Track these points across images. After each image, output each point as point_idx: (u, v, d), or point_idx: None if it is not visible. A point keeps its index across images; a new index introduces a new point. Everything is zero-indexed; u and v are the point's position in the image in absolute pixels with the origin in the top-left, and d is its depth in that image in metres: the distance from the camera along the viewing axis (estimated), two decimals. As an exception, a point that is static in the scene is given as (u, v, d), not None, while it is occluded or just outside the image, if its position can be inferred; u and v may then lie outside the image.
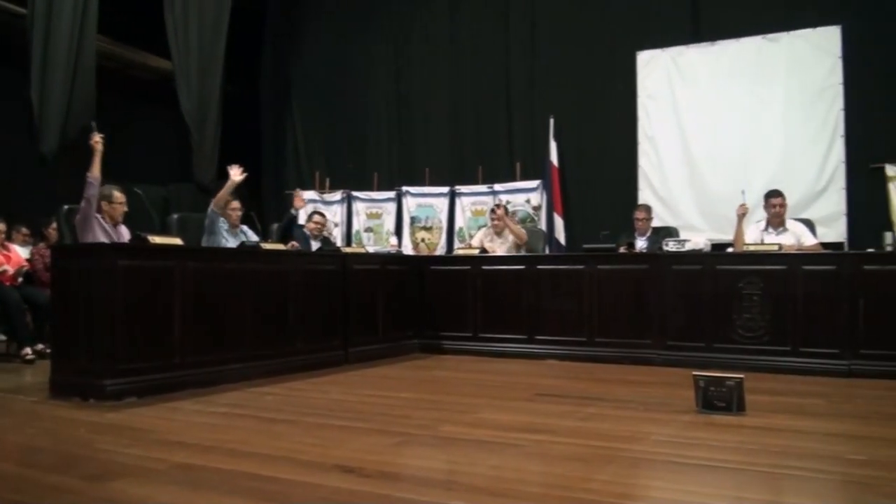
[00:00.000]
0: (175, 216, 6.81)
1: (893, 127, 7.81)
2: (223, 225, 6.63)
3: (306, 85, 10.98)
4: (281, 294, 5.73)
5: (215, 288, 5.18)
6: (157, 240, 5.06)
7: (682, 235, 7.15)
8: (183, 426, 3.85)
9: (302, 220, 7.71)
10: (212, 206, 6.58)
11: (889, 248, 6.47)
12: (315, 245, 7.36)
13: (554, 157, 9.15)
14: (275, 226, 7.45)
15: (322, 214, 7.97)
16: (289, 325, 5.76)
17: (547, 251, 8.29)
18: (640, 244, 7.25)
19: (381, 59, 10.57)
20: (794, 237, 6.41)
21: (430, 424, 3.83)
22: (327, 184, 10.39)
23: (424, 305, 7.17)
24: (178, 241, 5.29)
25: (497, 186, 9.56)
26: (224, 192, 6.60)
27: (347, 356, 6.28)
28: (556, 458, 3.21)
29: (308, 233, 7.48)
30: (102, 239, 5.61)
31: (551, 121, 9.20)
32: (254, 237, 6.77)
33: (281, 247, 6.33)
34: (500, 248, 7.53)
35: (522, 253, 7.43)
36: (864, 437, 3.69)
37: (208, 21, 9.39)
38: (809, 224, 6.75)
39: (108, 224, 5.77)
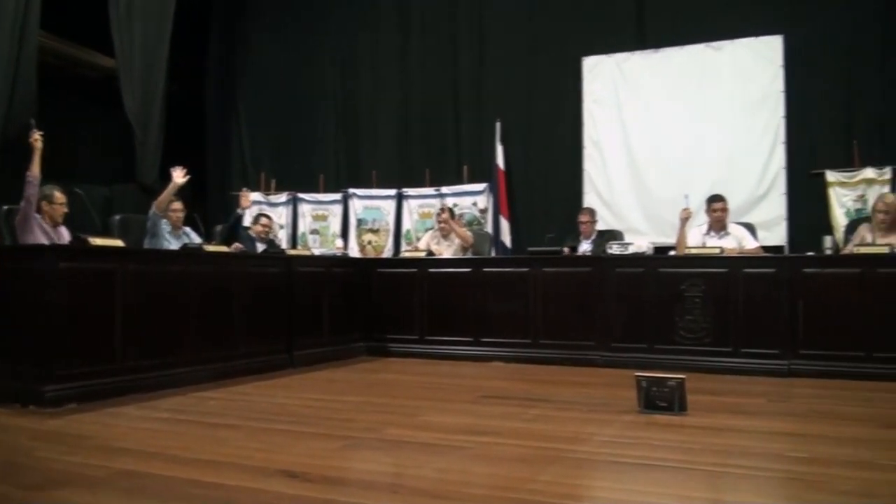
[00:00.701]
0: (117, 217, 6.69)
1: (833, 134, 8.07)
2: (165, 227, 6.54)
3: (252, 85, 10.85)
4: (225, 297, 5.65)
5: (158, 290, 5.09)
6: (97, 241, 4.96)
7: (626, 239, 7.24)
8: (125, 432, 3.77)
9: (247, 221, 7.63)
10: (153, 209, 6.48)
11: (828, 252, 6.61)
12: (260, 247, 7.28)
13: (500, 160, 9.18)
14: (218, 227, 7.37)
15: (269, 217, 7.89)
16: (233, 329, 5.68)
17: (493, 254, 8.31)
18: (585, 247, 7.32)
19: (328, 60, 10.50)
20: (736, 241, 6.52)
21: (376, 427, 3.81)
22: (272, 185, 10.28)
23: (371, 308, 7.13)
24: (119, 242, 5.20)
25: (444, 189, 9.56)
26: (166, 194, 6.51)
27: (292, 359, 6.22)
28: (501, 459, 3.22)
29: (254, 235, 7.40)
30: (42, 240, 5.49)
31: (498, 124, 9.23)
32: (197, 239, 6.68)
33: (224, 249, 6.25)
34: (446, 250, 7.54)
35: (469, 255, 7.44)
36: (803, 434, 3.76)
37: (152, 19, 9.22)
38: (751, 228, 6.89)
39: (47, 225, 5.65)
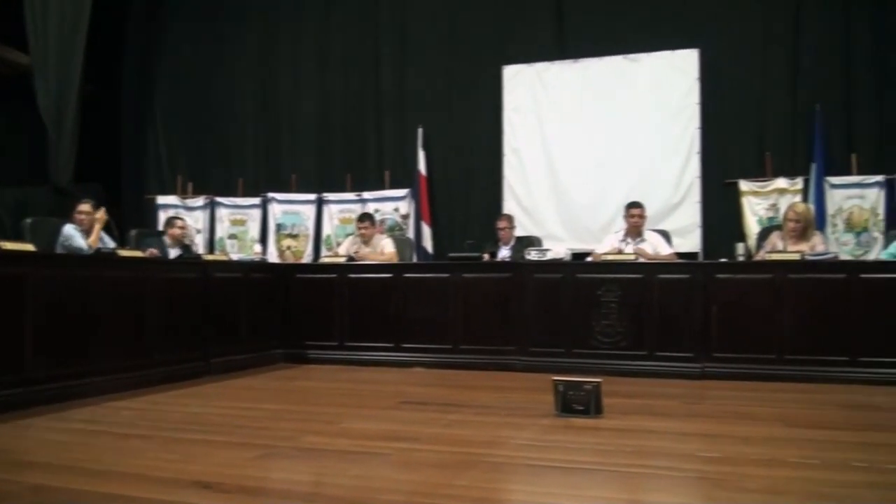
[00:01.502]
0: (29, 220, 6.45)
1: (747, 145, 8.39)
2: (76, 231, 6.38)
3: (170, 87, 10.63)
4: (139, 303, 5.51)
5: (70, 297, 4.94)
6: (7, 245, 4.78)
7: (545, 245, 7.31)
8: (36, 445, 3.65)
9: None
10: (86, 246, 6.32)
11: (741, 258, 6.79)
12: (175, 252, 7.12)
13: (422, 166, 9.19)
14: (133, 232, 7.18)
15: (183, 219, 7.74)
16: (148, 336, 5.54)
17: (415, 259, 8.31)
18: (504, 253, 7.38)
19: (247, 62, 10.35)
20: (651, 247, 6.65)
21: (293, 436, 3.77)
22: (190, 189, 10.09)
23: (290, 314, 7.04)
24: (30, 246, 5.05)
25: (366, 194, 9.52)
26: (96, 234, 6.39)
27: (209, 367, 6.09)
28: (419, 465, 3.21)
29: (168, 241, 7.23)
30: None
31: (420, 130, 9.25)
32: (111, 244, 6.51)
33: (139, 254, 6.10)
34: (367, 256, 7.48)
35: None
36: (715, 435, 3.86)
37: (68, 16, 8.95)
38: (666, 235, 7.05)
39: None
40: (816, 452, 3.42)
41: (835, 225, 7.96)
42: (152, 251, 6.64)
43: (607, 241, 6.86)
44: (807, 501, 2.75)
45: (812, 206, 7.29)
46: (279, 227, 9.84)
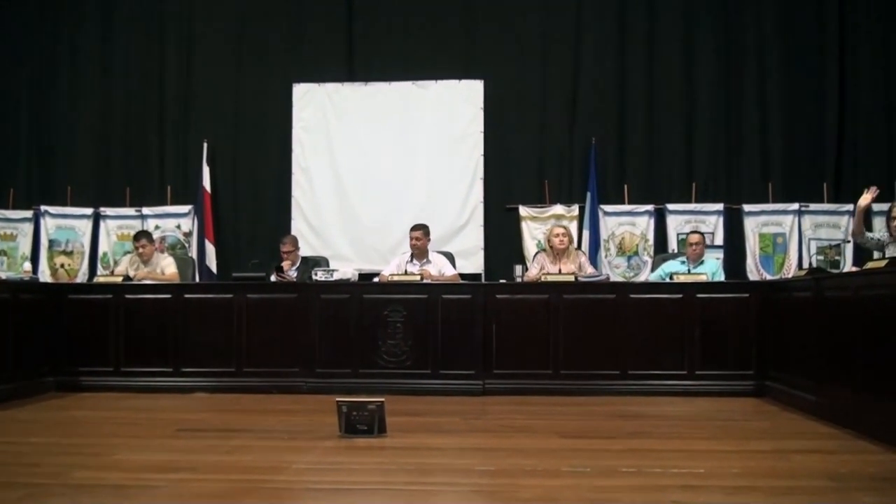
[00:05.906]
0: None
1: (526, 173, 8.90)
2: None
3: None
4: None
5: None
6: None
7: (333, 265, 7.30)
8: None
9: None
10: None
11: (519, 279, 7.08)
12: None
13: (207, 181, 8.94)
14: None
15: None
16: None
17: (197, 279, 8.04)
18: (290, 273, 7.28)
19: (23, 62, 9.60)
20: (436, 268, 6.81)
21: (62, 471, 3.52)
22: (-48, 201, 9.27)
23: (62, 339, 6.56)
24: None
25: (146, 210, 9.13)
26: None
27: (-31, 398, 5.58)
28: (195, 496, 3.11)
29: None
30: None
31: (205, 145, 9.00)
32: None
33: None
34: (147, 276, 7.16)
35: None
36: (492, 449, 4.02)
37: None
38: (450, 256, 7.23)
39: None
40: (588, 461, 3.63)
41: (608, 249, 8.58)
42: None
43: (394, 263, 6.96)
44: (577, 507, 2.91)
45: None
46: (52, 242, 9.24)
